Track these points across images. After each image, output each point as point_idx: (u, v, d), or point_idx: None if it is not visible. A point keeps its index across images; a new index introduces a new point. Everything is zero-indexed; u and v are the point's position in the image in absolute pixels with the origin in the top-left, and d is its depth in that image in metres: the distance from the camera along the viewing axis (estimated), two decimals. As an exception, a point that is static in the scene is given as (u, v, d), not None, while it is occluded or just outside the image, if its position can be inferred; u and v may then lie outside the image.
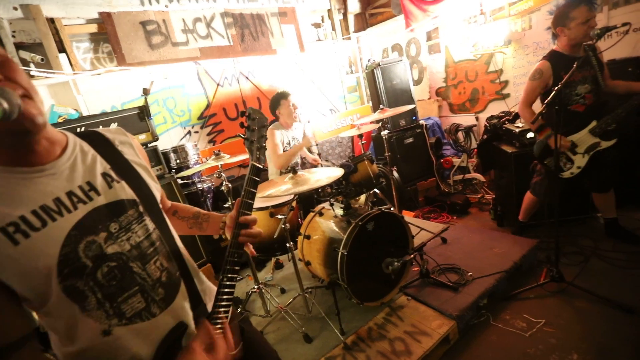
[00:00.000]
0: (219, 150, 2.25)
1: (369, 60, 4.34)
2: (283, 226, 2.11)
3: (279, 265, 3.18)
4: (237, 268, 0.89)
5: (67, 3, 2.92)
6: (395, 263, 2.08)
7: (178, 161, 3.22)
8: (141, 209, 0.83)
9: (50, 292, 0.68)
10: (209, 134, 4.03)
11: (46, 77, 2.79)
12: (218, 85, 4.04)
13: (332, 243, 2.10)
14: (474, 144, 4.25)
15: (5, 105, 0.58)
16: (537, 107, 2.19)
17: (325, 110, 4.85)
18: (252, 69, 4.21)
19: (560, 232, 2.09)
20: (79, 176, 0.77)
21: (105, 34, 3.14)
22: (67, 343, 0.73)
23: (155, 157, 2.78)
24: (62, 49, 2.92)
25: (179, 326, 0.82)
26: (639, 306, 1.93)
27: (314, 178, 1.96)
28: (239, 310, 2.42)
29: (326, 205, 2.39)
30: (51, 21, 2.86)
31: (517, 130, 2.91)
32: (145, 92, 2.72)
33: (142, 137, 2.72)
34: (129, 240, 0.79)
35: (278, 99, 2.91)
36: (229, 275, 0.87)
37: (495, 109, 4.01)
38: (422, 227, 2.92)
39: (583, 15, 2.11)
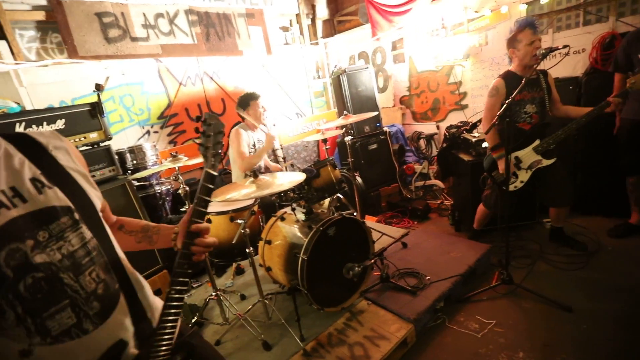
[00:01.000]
0: (176, 152, 2.15)
1: (335, 66, 4.39)
2: (242, 231, 2.05)
3: (240, 271, 3.10)
4: (186, 280, 0.84)
5: (9, -14, 2.69)
6: (356, 268, 2.09)
7: (135, 162, 3.05)
8: (77, 216, 0.77)
9: None
10: (169, 135, 3.87)
11: (-19, 66, 2.55)
12: (180, 84, 3.89)
13: (293, 248, 2.08)
14: (435, 152, 4.42)
15: None
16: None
17: (292, 114, 4.84)
18: (217, 69, 4.11)
19: (510, 236, 2.22)
20: (1, 181, 0.70)
21: (54, 22, 2.92)
22: None
23: (108, 157, 2.61)
24: (2, 35, 2.67)
25: (117, 345, 0.76)
26: (576, 305, 2.09)
27: (276, 182, 1.94)
28: (195, 319, 2.32)
29: (288, 210, 2.37)
30: (-10, 4, 2.62)
31: (473, 139, 3.07)
32: (98, 87, 2.55)
33: (94, 135, 2.54)
34: (61, 249, 0.72)
35: (248, 100, 2.85)
36: (177, 288, 0.82)
37: (455, 118, 4.21)
38: (383, 232, 2.97)
39: (528, 38, 2.29)
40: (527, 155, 2.44)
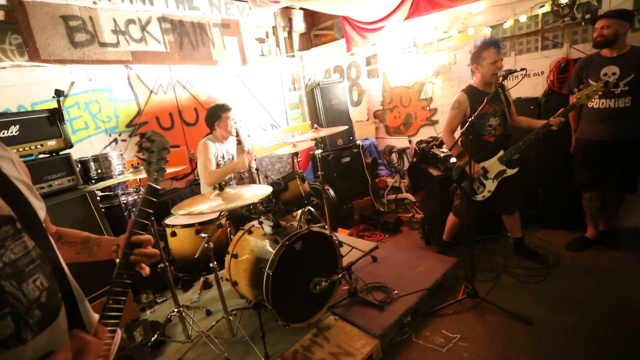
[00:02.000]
0: (137, 164, 2.07)
1: (309, 79, 4.43)
2: (206, 245, 1.99)
3: (207, 285, 3.00)
4: (125, 290, 0.86)
5: (-35, -16, 2.55)
6: (323, 283, 2.07)
7: (99, 171, 2.91)
8: (19, 226, 0.75)
9: None
10: (138, 143, 3.73)
11: None
12: (151, 92, 3.79)
13: (259, 263, 2.04)
14: (407, 166, 4.51)
15: None
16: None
17: (267, 125, 4.81)
18: (190, 78, 4.04)
19: (476, 250, 2.27)
20: None
21: (14, 23, 2.79)
22: None
23: (67, 166, 2.46)
24: (-46, 35, 2.52)
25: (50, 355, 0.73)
26: (536, 317, 2.16)
27: (243, 195, 1.90)
28: (155, 337, 2.21)
29: (256, 223, 2.33)
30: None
31: (442, 154, 3.15)
32: (59, 93, 2.43)
33: (52, 143, 2.41)
34: (2, 257, 0.70)
35: (217, 112, 2.81)
36: (115, 298, 0.84)
37: (426, 133, 4.32)
38: (353, 246, 2.97)
39: (492, 56, 2.40)
40: (493, 165, 2.54)
